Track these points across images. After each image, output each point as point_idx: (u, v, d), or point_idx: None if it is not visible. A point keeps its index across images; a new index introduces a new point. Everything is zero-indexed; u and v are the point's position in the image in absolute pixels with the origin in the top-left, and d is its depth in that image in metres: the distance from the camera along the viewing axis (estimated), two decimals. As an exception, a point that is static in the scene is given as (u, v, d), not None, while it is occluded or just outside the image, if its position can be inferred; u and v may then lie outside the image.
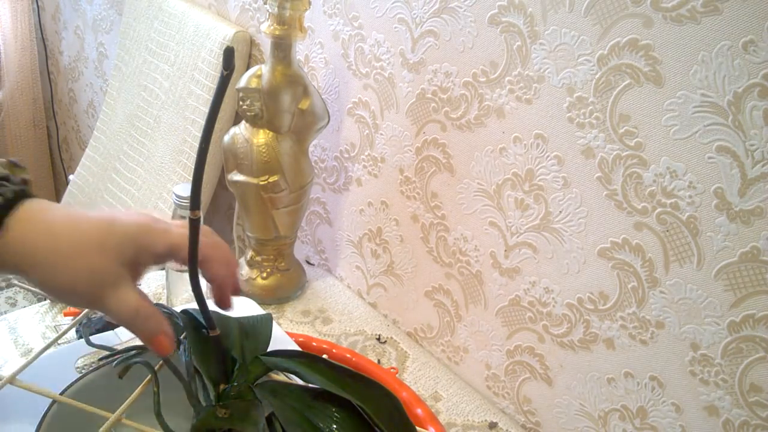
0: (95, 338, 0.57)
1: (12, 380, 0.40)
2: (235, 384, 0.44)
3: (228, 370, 0.44)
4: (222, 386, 0.44)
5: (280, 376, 0.47)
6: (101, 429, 0.34)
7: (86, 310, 0.52)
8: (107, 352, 0.48)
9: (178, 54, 1.13)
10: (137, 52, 1.25)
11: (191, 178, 0.36)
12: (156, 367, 0.44)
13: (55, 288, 0.39)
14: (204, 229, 0.45)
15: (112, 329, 0.60)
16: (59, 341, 0.72)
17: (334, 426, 0.40)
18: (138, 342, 0.49)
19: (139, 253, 0.40)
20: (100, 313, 0.71)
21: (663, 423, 0.62)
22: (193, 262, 0.39)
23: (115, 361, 0.46)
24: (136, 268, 0.41)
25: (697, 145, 0.54)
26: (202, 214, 0.47)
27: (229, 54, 0.33)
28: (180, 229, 0.43)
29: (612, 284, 0.63)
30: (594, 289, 0.65)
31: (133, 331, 0.40)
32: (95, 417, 0.42)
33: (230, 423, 0.40)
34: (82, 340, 0.57)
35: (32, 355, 0.44)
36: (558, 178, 0.65)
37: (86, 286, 0.38)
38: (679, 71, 0.54)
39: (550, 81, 0.63)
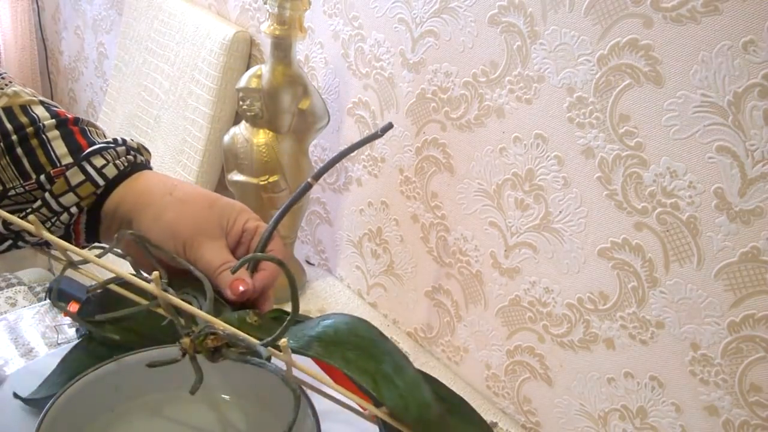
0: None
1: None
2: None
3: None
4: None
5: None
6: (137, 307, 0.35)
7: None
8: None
9: (178, 54, 1.13)
10: (137, 52, 1.25)
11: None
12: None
13: (160, 228, 0.43)
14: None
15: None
16: (59, 341, 0.72)
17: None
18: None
19: (234, 226, 0.44)
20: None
21: (663, 423, 0.62)
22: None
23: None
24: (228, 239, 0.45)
25: (697, 145, 0.54)
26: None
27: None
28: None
29: (612, 284, 0.63)
30: (594, 289, 0.65)
31: (214, 281, 0.42)
32: (91, 418, 0.41)
33: (261, 331, 0.36)
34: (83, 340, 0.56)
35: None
36: (558, 178, 0.65)
37: (188, 229, 0.42)
38: (679, 71, 0.54)
39: (550, 81, 0.63)
